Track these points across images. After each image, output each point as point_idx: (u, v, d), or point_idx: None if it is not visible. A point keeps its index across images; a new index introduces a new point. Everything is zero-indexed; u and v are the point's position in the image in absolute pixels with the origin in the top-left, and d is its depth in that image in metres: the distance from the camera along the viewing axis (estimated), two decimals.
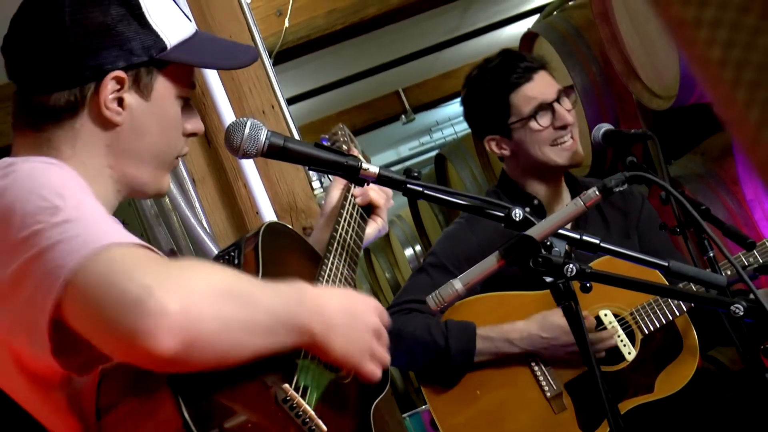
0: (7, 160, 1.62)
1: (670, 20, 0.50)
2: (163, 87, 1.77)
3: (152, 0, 1.76)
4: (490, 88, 3.18)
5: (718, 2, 0.46)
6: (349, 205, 2.32)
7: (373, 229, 2.39)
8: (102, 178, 1.74)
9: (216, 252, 3.19)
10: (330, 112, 8.87)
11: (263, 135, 1.88)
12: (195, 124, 1.87)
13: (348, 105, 8.90)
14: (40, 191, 1.50)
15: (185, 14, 1.86)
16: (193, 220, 3.28)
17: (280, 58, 4.97)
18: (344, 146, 2.54)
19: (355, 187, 2.37)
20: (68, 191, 1.51)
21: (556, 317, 2.88)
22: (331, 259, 2.13)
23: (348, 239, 2.23)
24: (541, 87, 3.14)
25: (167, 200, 3.47)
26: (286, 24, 5.03)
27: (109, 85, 1.71)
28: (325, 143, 2.27)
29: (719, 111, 0.54)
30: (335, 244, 2.18)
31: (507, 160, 3.26)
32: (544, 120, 3.11)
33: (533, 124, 3.11)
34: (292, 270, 2.04)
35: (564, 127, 3.11)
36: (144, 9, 1.73)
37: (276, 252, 1.99)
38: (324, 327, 1.64)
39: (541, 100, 3.11)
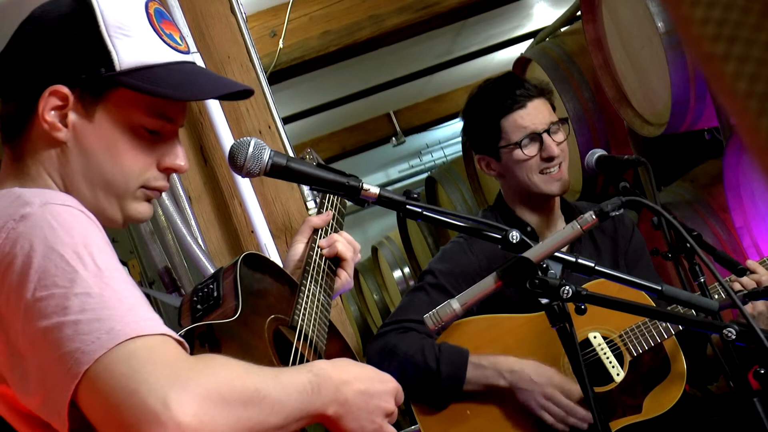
0: (17, 195, 1.58)
1: (701, 55, 0.53)
2: (111, 111, 1.70)
3: (117, 18, 1.69)
4: (483, 109, 3.20)
5: (746, 40, 0.49)
6: (316, 255, 2.28)
7: (338, 284, 2.33)
8: None
9: (210, 269, 3.22)
10: (321, 133, 8.90)
11: (266, 155, 1.90)
12: (173, 160, 1.78)
13: (339, 126, 8.94)
14: (60, 249, 1.48)
15: (166, 42, 1.75)
16: (188, 237, 3.29)
17: (273, 78, 5.01)
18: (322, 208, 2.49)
19: (320, 238, 2.33)
20: (87, 251, 1.50)
21: (551, 371, 2.91)
22: (308, 285, 2.15)
23: (323, 264, 2.25)
24: (533, 116, 3.14)
25: (162, 217, 3.48)
26: (280, 45, 5.07)
27: (50, 100, 1.67)
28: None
29: (754, 158, 0.57)
30: (310, 270, 2.20)
31: (499, 180, 3.30)
32: (531, 149, 3.12)
33: (518, 153, 3.13)
34: (270, 300, 2.06)
35: (550, 159, 3.12)
36: (102, 26, 1.67)
37: (254, 282, 2.01)
38: (339, 410, 1.66)
39: (531, 130, 3.12)
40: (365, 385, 1.73)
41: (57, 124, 1.68)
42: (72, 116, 1.68)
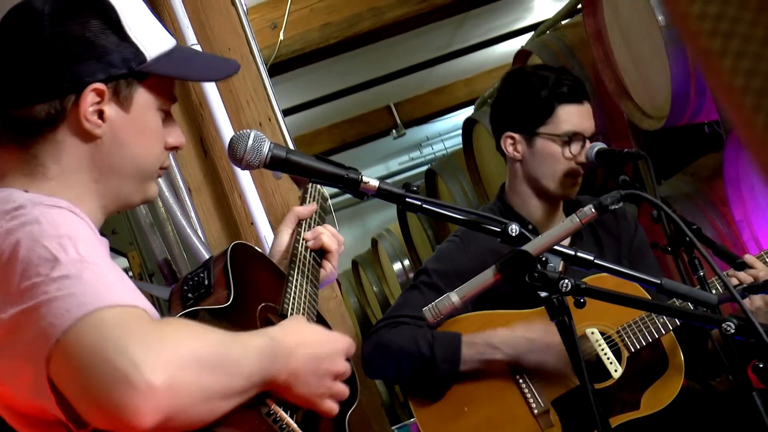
0: (13, 197, 1.62)
1: (698, 50, 0.53)
2: (143, 99, 1.77)
3: (131, 13, 1.76)
4: (541, 86, 3.11)
5: (743, 35, 0.49)
6: (302, 247, 2.31)
7: (323, 275, 2.35)
8: (88, 196, 1.75)
9: None
10: (321, 125, 8.91)
11: (266, 147, 1.91)
12: (177, 138, 1.88)
13: (339, 118, 8.94)
14: (44, 241, 1.51)
15: (165, 29, 1.86)
16: (188, 228, 3.30)
17: (274, 70, 5.00)
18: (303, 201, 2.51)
19: (305, 230, 2.36)
20: (71, 242, 1.53)
21: (540, 321, 2.90)
22: (295, 275, 2.17)
23: (308, 255, 2.28)
24: (586, 116, 3.12)
25: (162, 209, 3.49)
26: (281, 37, 5.06)
27: (89, 98, 1.71)
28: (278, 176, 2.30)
29: (750, 152, 0.57)
30: (297, 261, 2.22)
31: (512, 164, 3.23)
32: (574, 149, 3.07)
33: (564, 149, 3.08)
34: (260, 288, 2.08)
35: (583, 165, 3.08)
36: (123, 22, 1.74)
37: (244, 271, 2.02)
38: (289, 378, 1.70)
39: (580, 131, 3.08)
40: (315, 349, 1.77)
41: (98, 121, 1.73)
42: (109, 111, 1.74)
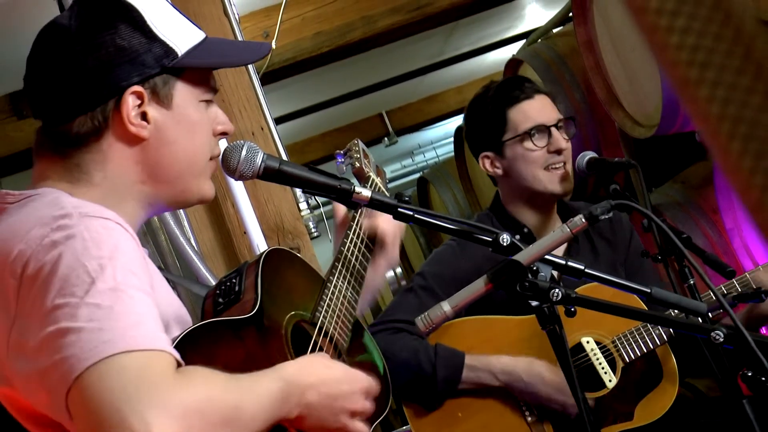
0: (61, 202, 1.64)
1: (675, 79, 0.54)
2: (183, 94, 1.81)
3: (156, 12, 1.79)
4: (490, 102, 3.19)
5: (719, 65, 0.51)
6: (347, 250, 2.25)
7: (387, 258, 2.35)
8: (130, 198, 1.79)
9: (203, 270, 3.23)
10: (313, 133, 8.89)
11: (259, 158, 1.92)
12: (225, 125, 1.90)
13: (331, 126, 8.93)
14: (84, 260, 1.52)
15: (192, 23, 1.90)
16: (181, 238, 3.30)
17: (266, 79, 4.99)
18: (357, 162, 2.49)
19: (353, 232, 2.30)
20: (111, 264, 1.53)
21: (542, 368, 2.92)
22: (335, 281, 2.14)
23: (353, 260, 2.23)
24: (540, 107, 3.14)
25: (155, 218, 3.49)
26: (273, 46, 5.06)
27: (129, 101, 1.74)
28: (340, 158, 2.29)
29: (727, 177, 0.59)
30: (339, 266, 2.19)
31: (499, 181, 3.25)
32: (540, 141, 3.10)
33: (528, 144, 3.10)
34: (293, 295, 2.07)
35: (558, 152, 3.09)
36: (149, 22, 1.77)
37: (277, 278, 2.01)
38: (302, 412, 1.71)
39: (540, 122, 3.11)
40: (329, 388, 1.76)
41: (142, 122, 1.76)
42: (152, 111, 1.77)
